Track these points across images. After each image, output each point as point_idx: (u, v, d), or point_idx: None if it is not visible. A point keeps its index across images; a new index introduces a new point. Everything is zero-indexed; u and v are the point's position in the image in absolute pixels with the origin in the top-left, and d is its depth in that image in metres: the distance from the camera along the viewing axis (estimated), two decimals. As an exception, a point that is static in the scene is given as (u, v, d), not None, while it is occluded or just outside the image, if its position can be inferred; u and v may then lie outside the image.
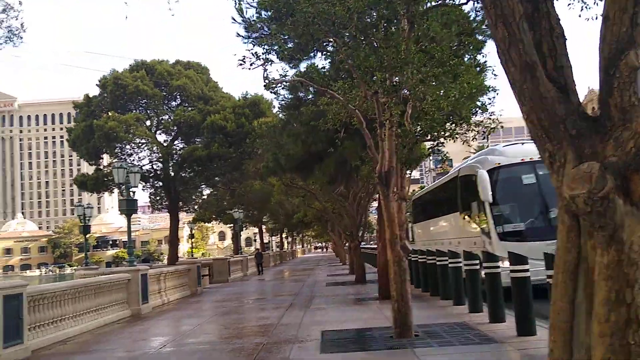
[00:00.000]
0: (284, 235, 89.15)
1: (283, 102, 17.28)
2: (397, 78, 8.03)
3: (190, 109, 36.10)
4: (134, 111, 34.68)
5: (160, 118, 36.37)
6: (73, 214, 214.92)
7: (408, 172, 10.44)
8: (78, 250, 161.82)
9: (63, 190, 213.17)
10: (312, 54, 10.76)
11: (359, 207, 27.27)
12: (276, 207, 47.43)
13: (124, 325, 14.18)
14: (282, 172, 15.64)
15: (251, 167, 32.38)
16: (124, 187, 17.05)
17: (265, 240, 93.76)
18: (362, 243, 27.85)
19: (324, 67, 9.75)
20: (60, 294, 12.27)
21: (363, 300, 16.53)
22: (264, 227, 71.97)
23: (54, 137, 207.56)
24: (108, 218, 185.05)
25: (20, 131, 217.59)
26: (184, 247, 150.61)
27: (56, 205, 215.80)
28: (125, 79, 34.91)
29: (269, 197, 36.84)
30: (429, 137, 10.03)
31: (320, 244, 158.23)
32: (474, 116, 9.98)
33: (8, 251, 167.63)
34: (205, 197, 48.31)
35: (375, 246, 54.02)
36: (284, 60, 15.03)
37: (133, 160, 35.03)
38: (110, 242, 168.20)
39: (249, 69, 8.57)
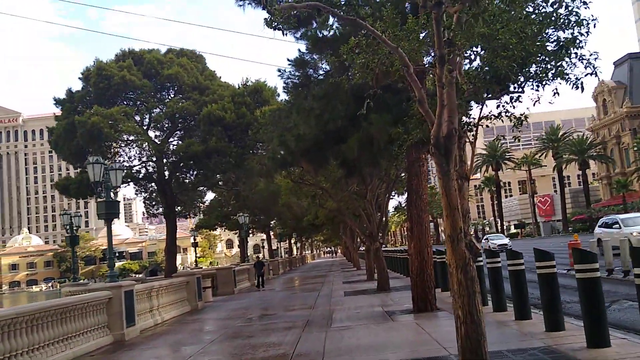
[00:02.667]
0: (292, 241, 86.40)
1: (289, 80, 14.37)
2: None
3: (184, 100, 32.37)
4: (121, 105, 31.34)
5: (152, 112, 32.80)
6: (79, 227, 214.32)
7: (469, 138, 7.46)
8: (85, 264, 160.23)
9: (69, 203, 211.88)
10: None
11: (378, 205, 24.40)
12: (284, 209, 44.54)
13: (98, 358, 11.28)
14: (291, 158, 12.72)
15: (255, 164, 29.26)
16: (102, 188, 14.18)
17: (274, 247, 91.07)
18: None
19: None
20: (11, 324, 9.39)
21: (394, 314, 13.58)
22: (271, 232, 69.17)
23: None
24: (115, 229, 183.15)
25: (25, 146, 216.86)
26: (191, 257, 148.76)
27: (62, 219, 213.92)
28: (110, 69, 31.43)
29: (275, 199, 33.71)
30: (496, 91, 7.06)
31: (330, 249, 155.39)
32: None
33: (14, 267, 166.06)
34: (207, 201, 45.21)
35: (396, 249, 50.64)
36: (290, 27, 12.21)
37: (122, 161, 31.82)
38: (117, 254, 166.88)
39: None
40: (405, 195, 31.45)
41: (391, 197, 30.95)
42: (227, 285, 27.79)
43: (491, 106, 8.00)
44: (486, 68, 6.59)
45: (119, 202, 14.76)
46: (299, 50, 14.44)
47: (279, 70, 14.28)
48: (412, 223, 13.80)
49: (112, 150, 30.30)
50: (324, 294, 21.75)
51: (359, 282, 26.59)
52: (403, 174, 26.84)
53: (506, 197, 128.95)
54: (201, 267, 50.72)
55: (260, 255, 34.00)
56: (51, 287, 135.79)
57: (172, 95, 32.63)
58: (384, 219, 24.00)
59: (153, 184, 34.00)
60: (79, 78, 32.59)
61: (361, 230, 24.71)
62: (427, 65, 8.16)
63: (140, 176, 32.88)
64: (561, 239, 63.63)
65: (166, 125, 33.09)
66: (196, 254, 55.95)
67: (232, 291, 27.65)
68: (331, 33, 11.13)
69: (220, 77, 34.23)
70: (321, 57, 13.65)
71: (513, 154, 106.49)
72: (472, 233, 6.83)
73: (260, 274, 30.52)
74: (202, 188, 39.48)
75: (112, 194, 14.52)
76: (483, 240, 50.77)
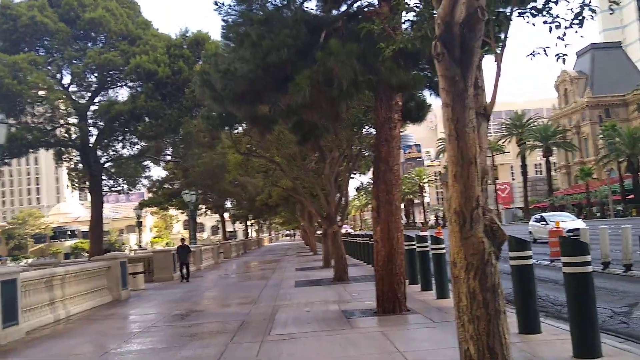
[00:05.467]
0: (249, 223, 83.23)
1: (228, 17, 11.06)
2: None
3: (112, 50, 26.77)
4: (30, 52, 25.56)
5: (73, 64, 27.07)
6: (30, 204, 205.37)
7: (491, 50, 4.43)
8: (34, 242, 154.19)
9: (19, 178, 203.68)
10: None
11: (337, 185, 21.50)
12: (237, 189, 41.21)
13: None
14: (219, 107, 9.43)
15: (193, 129, 25.28)
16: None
17: (233, 229, 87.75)
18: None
19: None
20: None
21: (353, 315, 10.68)
22: (227, 214, 65.65)
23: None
24: (66, 207, 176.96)
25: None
26: (146, 237, 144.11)
27: (12, 194, 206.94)
28: (17, 8, 26.19)
29: (222, 173, 29.96)
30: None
31: (289, 232, 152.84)
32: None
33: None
34: (152, 176, 40.98)
35: (357, 232, 46.63)
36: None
37: (38, 122, 26.46)
38: (69, 233, 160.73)
39: None
40: (371, 171, 28.15)
41: (352, 176, 28.15)
42: (165, 271, 24.48)
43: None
44: None
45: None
46: (244, -21, 11.22)
47: (216, 4, 10.98)
48: (379, 201, 10.85)
49: (19, 106, 25.32)
50: (272, 284, 18.76)
51: (314, 270, 23.73)
52: (366, 152, 24.02)
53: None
54: (145, 249, 47.21)
55: (184, 238, 24.27)
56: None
57: (100, 46, 27.82)
58: (343, 199, 21.08)
59: (76, 152, 29.27)
60: (-19, 20, 27.35)
61: (318, 212, 21.75)
62: None
63: (53, 141, 27.77)
64: (521, 227, 62.26)
65: (92, 81, 28.23)
66: (140, 234, 52.09)
67: (170, 277, 24.35)
68: None
69: (157, 30, 29.46)
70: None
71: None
72: (492, 209, 3.83)
73: (185, 263, 23.57)
74: (146, 162, 35.52)
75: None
76: (533, 222, 31.54)
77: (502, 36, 4.30)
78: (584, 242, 6.25)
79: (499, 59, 4.17)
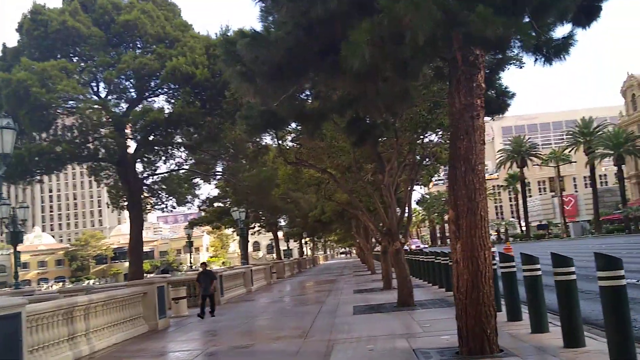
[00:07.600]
0: (304, 241, 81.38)
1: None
2: None
3: (146, 54, 24.80)
4: (61, 60, 23.72)
5: (107, 70, 24.81)
6: (93, 225, 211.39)
7: None
8: (95, 263, 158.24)
9: (83, 201, 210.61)
10: None
11: (397, 195, 19.14)
12: (290, 206, 39.32)
13: None
14: (252, 86, 7.24)
15: (236, 137, 23.22)
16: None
17: (288, 247, 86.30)
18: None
19: None
20: None
21: (429, 357, 8.32)
22: (280, 232, 64.01)
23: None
24: (126, 228, 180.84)
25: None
26: (203, 257, 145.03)
27: (76, 217, 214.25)
28: (48, 14, 24.58)
29: (270, 187, 27.80)
30: None
31: (344, 249, 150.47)
32: None
33: (25, 265, 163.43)
34: (200, 193, 39.76)
35: (416, 247, 43.41)
36: None
37: (74, 135, 24.51)
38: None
39: None
40: (439, 179, 25.32)
41: (417, 181, 25.57)
42: (212, 294, 22.57)
43: None
44: None
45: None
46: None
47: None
48: (459, 211, 8.46)
49: (49, 117, 23.45)
50: (327, 310, 16.52)
51: (374, 292, 21.34)
52: (427, 160, 21.58)
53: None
54: (197, 269, 45.96)
55: (206, 262, 19.50)
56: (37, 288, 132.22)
57: (137, 51, 25.72)
58: (406, 212, 18.67)
59: (114, 167, 27.38)
60: (15, 29, 25.49)
61: (377, 227, 19.41)
62: None
63: (84, 154, 25.33)
64: (599, 241, 57.71)
65: (128, 88, 26.22)
66: (191, 253, 50.89)
67: (217, 301, 22.42)
68: None
69: (199, 33, 26.83)
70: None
71: (538, 150, 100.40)
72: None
73: (208, 294, 17.66)
74: (195, 179, 34.03)
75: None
76: None
77: None
78: None
79: None
